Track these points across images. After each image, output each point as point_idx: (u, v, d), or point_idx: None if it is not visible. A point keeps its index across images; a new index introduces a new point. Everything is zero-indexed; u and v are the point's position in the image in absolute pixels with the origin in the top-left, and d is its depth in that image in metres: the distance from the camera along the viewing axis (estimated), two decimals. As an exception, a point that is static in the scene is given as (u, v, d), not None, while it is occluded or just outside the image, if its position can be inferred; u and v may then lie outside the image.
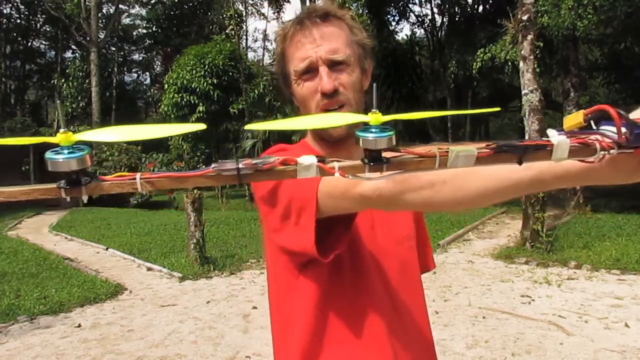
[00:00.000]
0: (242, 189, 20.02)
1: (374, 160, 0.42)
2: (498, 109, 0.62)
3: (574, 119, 0.47)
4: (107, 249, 8.56)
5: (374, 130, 0.41)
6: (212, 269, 6.49)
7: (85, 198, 0.40)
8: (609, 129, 0.44)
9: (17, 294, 5.44)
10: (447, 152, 0.42)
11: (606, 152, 0.44)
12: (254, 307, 4.76)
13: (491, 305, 4.63)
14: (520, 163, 0.44)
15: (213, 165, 0.41)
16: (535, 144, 0.44)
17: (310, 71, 0.85)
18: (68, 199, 0.39)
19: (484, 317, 4.27)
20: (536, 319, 4.18)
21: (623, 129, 0.43)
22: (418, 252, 0.99)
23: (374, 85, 0.49)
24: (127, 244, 8.91)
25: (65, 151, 0.37)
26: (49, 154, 0.37)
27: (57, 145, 0.37)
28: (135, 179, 0.39)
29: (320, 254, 0.73)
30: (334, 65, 0.85)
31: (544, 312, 4.34)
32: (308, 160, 0.42)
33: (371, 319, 0.84)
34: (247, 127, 0.48)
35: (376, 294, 0.86)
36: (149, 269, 6.82)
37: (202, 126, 0.43)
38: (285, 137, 11.53)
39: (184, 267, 6.58)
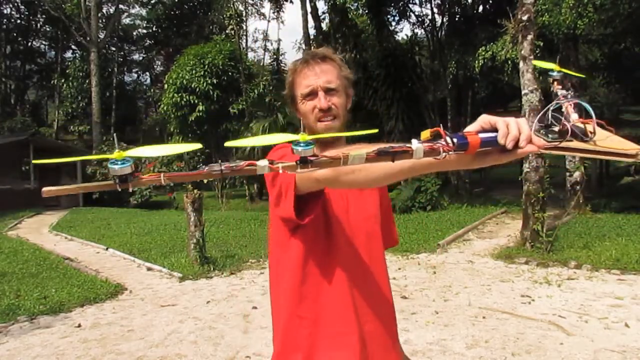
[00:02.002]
0: (242, 189, 20.02)
1: (302, 161, 0.69)
2: (376, 130, 0.94)
3: (425, 134, 0.75)
4: (107, 249, 8.56)
5: (302, 144, 0.69)
6: (212, 269, 6.50)
7: (130, 189, 0.66)
8: (449, 139, 0.71)
9: (17, 294, 5.44)
10: (348, 155, 0.69)
11: (446, 153, 0.71)
12: (254, 307, 4.76)
13: (491, 305, 4.63)
14: (393, 161, 0.71)
15: (205, 167, 0.68)
16: (402, 149, 0.70)
17: (312, 94, 1.23)
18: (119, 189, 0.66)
19: (484, 317, 4.26)
20: (536, 319, 4.17)
21: (451, 139, 0.71)
22: (384, 229, 1.34)
23: (300, 119, 0.79)
24: (127, 244, 8.92)
25: (119, 162, 0.63)
26: (110, 165, 0.63)
27: (111, 159, 0.63)
28: (160, 177, 0.67)
29: (298, 218, 1.08)
30: (328, 91, 1.23)
31: (544, 312, 4.34)
32: (262, 162, 0.68)
33: (338, 272, 1.19)
34: (227, 144, 0.79)
35: (343, 253, 1.20)
36: (149, 269, 6.82)
37: (198, 146, 0.72)
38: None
39: (184, 267, 6.59)
